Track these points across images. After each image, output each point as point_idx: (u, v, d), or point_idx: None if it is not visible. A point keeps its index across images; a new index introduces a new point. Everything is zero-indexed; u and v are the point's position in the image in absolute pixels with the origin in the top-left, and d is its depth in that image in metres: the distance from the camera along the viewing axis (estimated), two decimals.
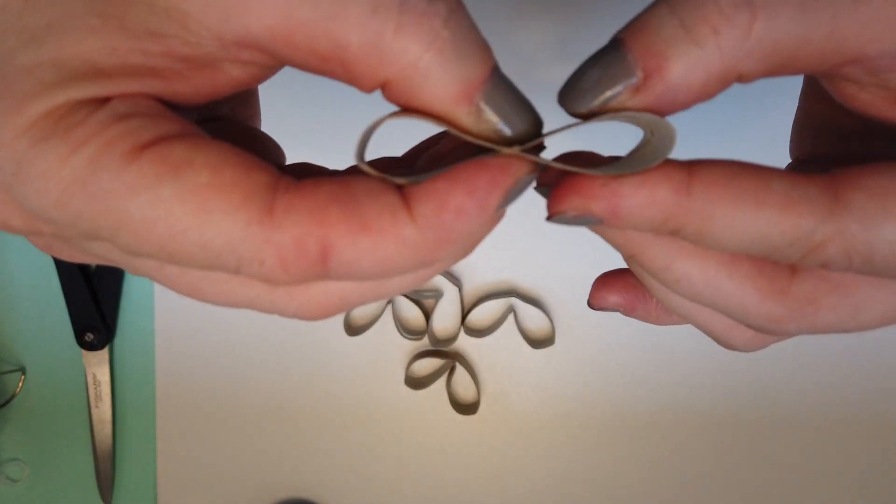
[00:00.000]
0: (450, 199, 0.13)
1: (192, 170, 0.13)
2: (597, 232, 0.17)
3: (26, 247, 0.46)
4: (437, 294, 0.45)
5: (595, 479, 0.47)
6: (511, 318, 0.45)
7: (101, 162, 0.13)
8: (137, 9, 0.13)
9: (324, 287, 0.16)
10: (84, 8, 0.13)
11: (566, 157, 0.16)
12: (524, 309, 0.45)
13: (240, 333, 0.46)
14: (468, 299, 0.45)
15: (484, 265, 0.45)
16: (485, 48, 0.14)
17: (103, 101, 0.13)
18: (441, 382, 0.46)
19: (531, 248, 0.45)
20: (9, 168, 0.13)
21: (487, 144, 0.14)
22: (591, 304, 0.20)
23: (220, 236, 0.13)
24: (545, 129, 0.15)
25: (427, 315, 0.45)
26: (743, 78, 0.14)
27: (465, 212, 0.14)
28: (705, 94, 0.14)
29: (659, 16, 0.14)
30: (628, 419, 0.46)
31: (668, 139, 0.14)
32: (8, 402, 0.47)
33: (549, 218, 0.15)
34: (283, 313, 0.16)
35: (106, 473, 0.47)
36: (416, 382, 0.46)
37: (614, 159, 0.16)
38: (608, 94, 0.14)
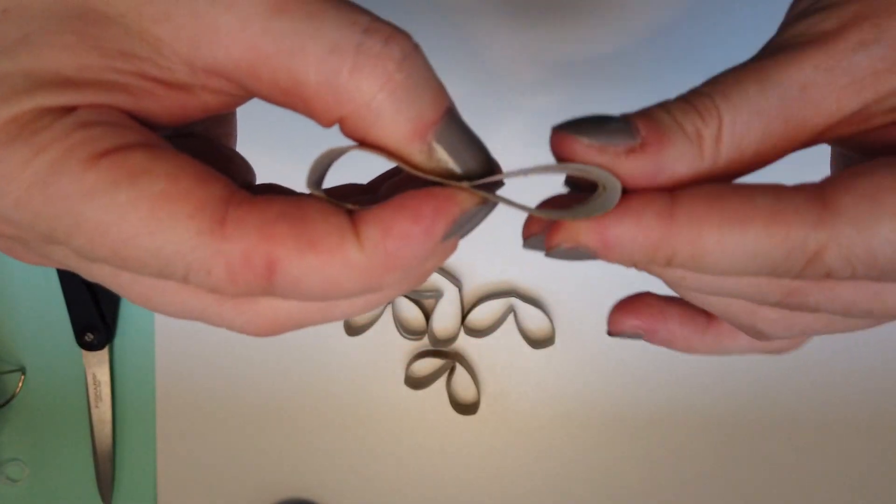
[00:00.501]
0: (395, 224, 0.14)
1: (148, 178, 0.13)
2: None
3: None
4: (437, 294, 0.45)
5: (595, 479, 0.47)
6: (511, 318, 0.45)
7: (61, 166, 0.13)
8: (113, 30, 0.14)
9: (271, 304, 0.16)
10: (60, 25, 0.14)
11: (545, 203, 0.17)
12: (524, 309, 0.45)
13: (240, 334, 0.46)
14: (468, 299, 0.45)
15: (484, 265, 0.45)
16: (439, 90, 0.15)
17: (70, 109, 0.14)
18: (441, 382, 0.46)
19: None
20: None
21: (437, 180, 0.15)
22: (610, 332, 0.21)
23: (171, 244, 0.13)
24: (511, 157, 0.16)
25: (427, 315, 0.45)
26: (730, 175, 0.15)
27: (410, 238, 0.14)
28: (680, 184, 0.15)
29: (659, 113, 0.15)
30: (628, 419, 0.46)
31: (616, 194, 0.15)
32: (8, 402, 0.47)
33: (548, 253, 0.16)
34: (230, 327, 0.16)
35: (106, 473, 0.47)
36: (416, 382, 0.46)
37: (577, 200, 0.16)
38: (606, 140, 0.14)
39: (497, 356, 0.46)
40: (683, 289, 0.17)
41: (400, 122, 0.14)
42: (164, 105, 0.15)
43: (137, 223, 0.13)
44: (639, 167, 0.14)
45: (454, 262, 0.45)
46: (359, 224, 0.14)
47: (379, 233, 0.14)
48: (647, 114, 0.15)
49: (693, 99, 0.15)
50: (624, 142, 0.14)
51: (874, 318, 0.16)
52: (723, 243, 0.14)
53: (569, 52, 0.41)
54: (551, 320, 0.45)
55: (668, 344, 0.21)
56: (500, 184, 0.16)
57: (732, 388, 0.46)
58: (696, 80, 0.16)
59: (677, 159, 0.15)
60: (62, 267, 0.16)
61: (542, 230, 0.16)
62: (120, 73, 0.14)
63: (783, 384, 0.46)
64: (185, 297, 0.16)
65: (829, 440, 0.46)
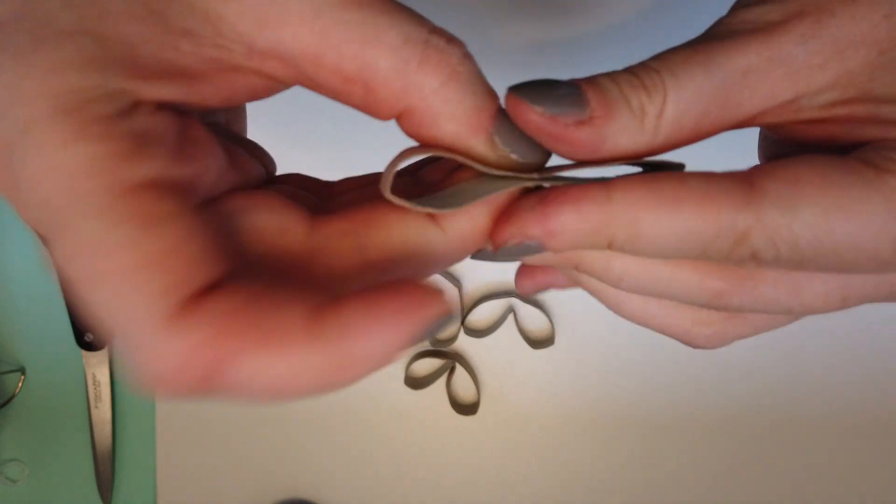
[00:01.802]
0: (357, 322, 0.13)
1: (157, 232, 0.13)
2: (538, 262, 0.18)
3: (27, 247, 0.46)
4: None
5: (595, 479, 0.47)
6: (511, 318, 0.45)
7: (90, 171, 0.12)
8: (178, 7, 0.14)
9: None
10: None
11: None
12: (524, 309, 0.45)
13: None
14: (468, 299, 0.45)
15: (484, 265, 0.45)
16: (490, 87, 0.15)
17: (132, 105, 0.13)
18: (441, 382, 0.46)
19: None
20: (18, 124, 0.13)
21: (506, 174, 0.15)
22: (519, 290, 0.21)
23: (121, 310, 0.13)
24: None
25: None
26: (662, 150, 0.16)
27: (370, 340, 0.13)
28: (619, 157, 0.16)
29: (607, 84, 0.15)
30: (628, 419, 0.46)
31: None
32: (8, 402, 0.47)
33: (495, 252, 0.16)
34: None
35: (106, 473, 0.47)
36: (415, 382, 0.46)
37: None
38: (556, 110, 0.15)
39: (497, 356, 0.46)
40: (620, 300, 0.18)
41: (465, 112, 0.15)
42: (213, 87, 0.15)
43: (112, 268, 0.12)
44: (584, 138, 0.15)
45: None
46: (320, 317, 0.13)
47: (338, 330, 0.13)
48: (596, 84, 0.15)
49: (641, 73, 0.15)
50: (574, 113, 0.15)
51: (793, 314, 0.17)
52: (659, 223, 0.15)
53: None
54: (551, 320, 0.45)
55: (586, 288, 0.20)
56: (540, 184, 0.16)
57: (732, 389, 0.46)
58: None
59: (620, 132, 0.15)
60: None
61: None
62: (180, 52, 0.14)
63: (784, 384, 0.46)
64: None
65: (829, 440, 0.46)
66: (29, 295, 0.46)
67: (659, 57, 0.16)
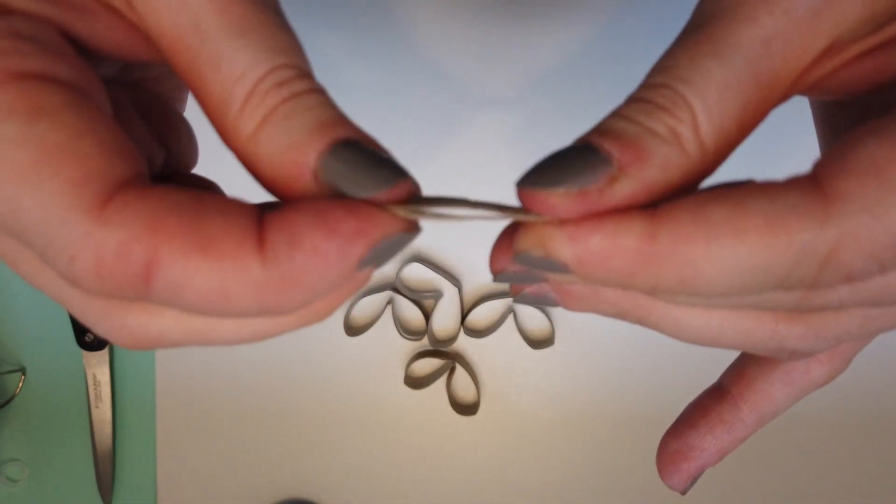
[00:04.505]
0: (306, 235, 0.12)
1: (51, 123, 0.12)
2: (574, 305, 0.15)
3: None
4: (437, 294, 0.45)
5: (595, 479, 0.47)
6: (511, 318, 0.45)
7: None
8: None
9: (145, 313, 0.14)
10: None
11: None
12: (524, 309, 0.45)
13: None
14: (468, 299, 0.45)
15: (484, 265, 0.45)
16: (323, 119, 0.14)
17: (7, 11, 0.12)
18: (441, 382, 0.46)
19: None
20: None
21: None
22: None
23: (37, 208, 0.12)
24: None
25: (427, 315, 0.45)
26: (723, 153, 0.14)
27: (321, 256, 0.12)
28: (676, 191, 0.13)
29: (620, 125, 0.13)
30: (628, 419, 0.46)
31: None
32: (8, 402, 0.47)
33: (515, 258, 0.14)
34: (93, 328, 0.14)
35: (106, 473, 0.47)
36: (416, 382, 0.46)
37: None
38: (579, 182, 0.13)
39: (497, 356, 0.46)
40: (673, 311, 0.15)
41: (278, 154, 0.13)
42: (104, 29, 0.14)
43: (12, 167, 0.11)
44: (626, 193, 0.13)
45: (454, 262, 0.45)
46: (265, 228, 0.12)
47: (285, 242, 0.12)
48: (607, 131, 0.13)
49: (650, 95, 0.13)
50: (599, 174, 0.12)
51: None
52: (715, 262, 0.12)
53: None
54: (551, 320, 0.45)
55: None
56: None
57: None
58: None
59: (663, 168, 0.13)
60: None
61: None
62: None
63: None
64: (42, 279, 0.14)
65: (829, 440, 0.46)
66: (29, 295, 0.46)
67: (659, 69, 0.13)
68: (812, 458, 0.47)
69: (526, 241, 0.13)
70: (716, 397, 0.20)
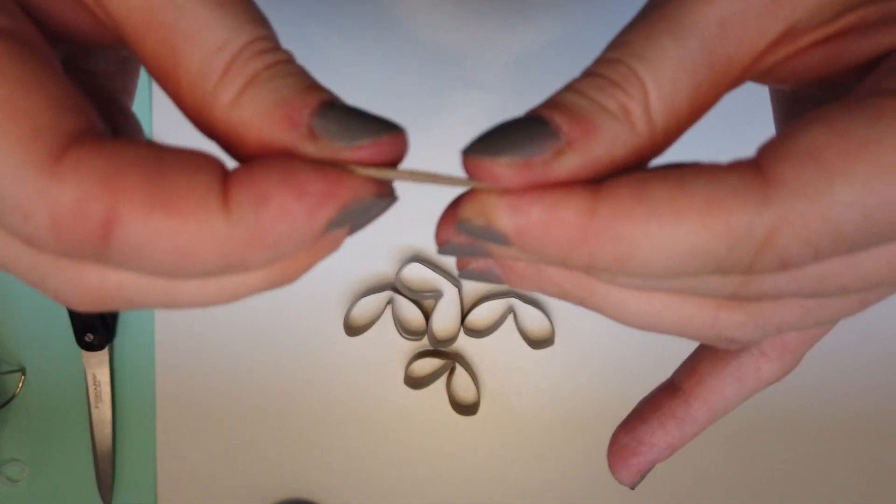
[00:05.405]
0: (274, 194, 0.12)
1: None
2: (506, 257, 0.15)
3: None
4: (437, 294, 0.45)
5: (595, 479, 0.47)
6: (511, 318, 0.45)
7: None
8: None
9: (102, 269, 0.13)
10: None
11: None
12: (524, 309, 0.45)
13: (240, 333, 0.46)
14: (468, 299, 0.45)
15: None
16: (306, 84, 0.14)
17: None
18: (441, 382, 0.46)
19: None
20: None
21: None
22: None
23: None
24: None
25: (427, 315, 0.45)
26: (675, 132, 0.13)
27: (288, 214, 0.12)
28: (621, 168, 0.13)
29: (572, 98, 0.13)
30: None
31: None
32: (8, 402, 0.47)
33: (458, 226, 0.13)
34: (42, 288, 0.14)
35: (106, 473, 0.47)
36: (415, 382, 0.46)
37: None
38: (524, 153, 0.12)
39: (497, 356, 0.46)
40: (615, 293, 0.15)
41: (265, 112, 0.13)
42: (57, 3, 0.13)
43: None
44: (571, 167, 0.12)
45: (454, 262, 0.45)
46: (230, 184, 0.12)
47: (251, 199, 0.12)
48: (558, 104, 0.13)
49: (604, 71, 0.13)
50: (546, 146, 0.12)
51: (850, 291, 0.13)
52: (652, 240, 0.12)
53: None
54: (551, 320, 0.45)
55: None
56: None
57: None
58: None
59: (611, 144, 0.12)
60: None
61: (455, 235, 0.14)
62: None
63: (783, 383, 0.46)
64: None
65: (830, 440, 0.46)
66: (29, 295, 0.46)
67: (615, 45, 0.13)
68: (809, 459, 0.47)
69: (468, 210, 0.13)
70: (668, 393, 0.20)
